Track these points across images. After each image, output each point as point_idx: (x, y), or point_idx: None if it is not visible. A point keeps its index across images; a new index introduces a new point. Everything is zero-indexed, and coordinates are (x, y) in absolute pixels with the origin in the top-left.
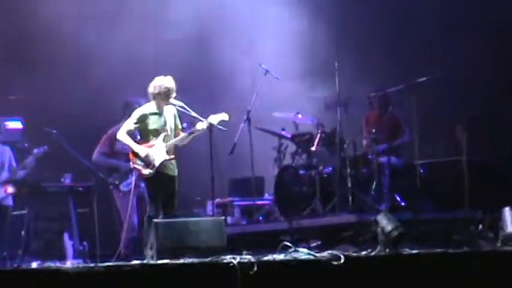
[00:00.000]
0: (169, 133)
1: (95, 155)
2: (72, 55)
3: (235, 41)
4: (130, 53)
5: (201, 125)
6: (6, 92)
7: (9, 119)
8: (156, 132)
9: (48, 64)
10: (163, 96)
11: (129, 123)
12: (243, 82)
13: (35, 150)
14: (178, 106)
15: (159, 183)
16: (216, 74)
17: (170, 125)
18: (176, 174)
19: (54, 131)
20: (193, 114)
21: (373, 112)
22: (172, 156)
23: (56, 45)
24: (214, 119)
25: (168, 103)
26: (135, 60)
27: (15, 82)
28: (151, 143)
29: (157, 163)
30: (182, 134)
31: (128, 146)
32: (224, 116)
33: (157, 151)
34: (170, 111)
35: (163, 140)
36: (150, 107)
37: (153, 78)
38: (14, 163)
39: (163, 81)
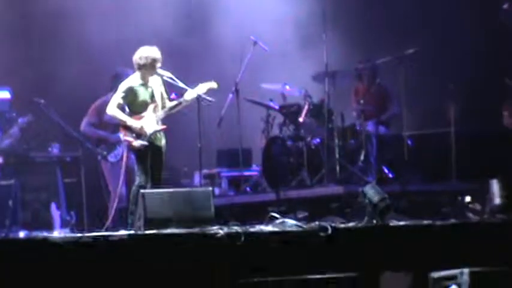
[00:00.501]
0: (158, 103)
1: (83, 126)
2: (63, 26)
3: (224, 12)
4: (122, 24)
5: (190, 95)
6: None
7: None
8: (145, 104)
9: (38, 34)
10: (149, 67)
11: (117, 97)
12: (231, 53)
13: (19, 120)
14: (166, 77)
15: (149, 153)
16: (205, 46)
17: (157, 95)
18: (164, 144)
19: (42, 101)
20: (181, 84)
21: (361, 84)
22: (164, 126)
23: (47, 16)
24: (203, 87)
25: (153, 74)
26: (125, 32)
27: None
28: (141, 114)
29: (148, 134)
30: (171, 103)
31: (119, 119)
32: (213, 84)
33: (148, 122)
34: (156, 82)
35: (153, 110)
36: (135, 78)
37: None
38: None
39: (149, 52)
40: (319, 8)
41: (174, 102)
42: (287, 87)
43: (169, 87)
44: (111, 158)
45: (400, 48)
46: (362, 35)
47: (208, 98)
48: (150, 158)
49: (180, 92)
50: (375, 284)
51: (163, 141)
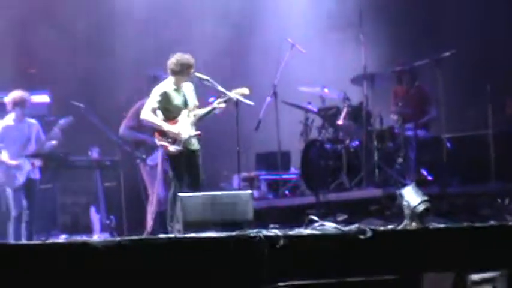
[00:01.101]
0: (191, 108)
1: (122, 129)
2: (102, 30)
3: (262, 16)
4: (161, 28)
5: (227, 98)
6: (29, 65)
7: (36, 92)
8: (178, 109)
9: (74, 37)
10: (183, 73)
11: (152, 102)
12: (268, 56)
13: (60, 121)
14: (204, 80)
15: (183, 158)
16: (243, 49)
17: (190, 100)
18: (198, 148)
19: (81, 105)
20: (219, 88)
21: (400, 86)
22: (198, 132)
23: (84, 19)
24: (236, 93)
25: (187, 80)
26: (164, 35)
27: (40, 55)
28: (175, 119)
29: (184, 139)
30: (203, 110)
31: (155, 124)
32: (245, 90)
33: (183, 127)
34: (188, 87)
35: (187, 115)
36: (169, 83)
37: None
38: (42, 136)
39: (184, 59)
40: (356, 10)
41: (208, 108)
42: (325, 89)
43: (207, 90)
44: (150, 161)
45: (437, 51)
46: (400, 37)
47: (247, 101)
48: (185, 162)
49: (218, 96)
50: (414, 287)
51: (197, 145)
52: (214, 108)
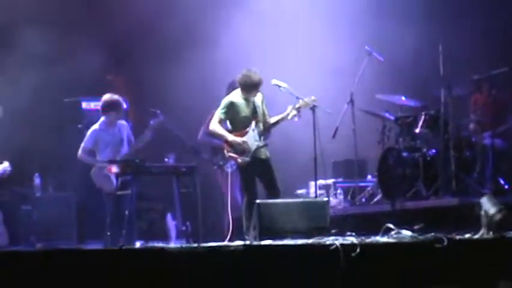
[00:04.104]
0: (260, 119)
1: (200, 135)
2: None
3: (339, 23)
4: (240, 35)
5: (305, 103)
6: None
7: None
8: (246, 119)
9: (151, 44)
10: (248, 92)
11: (220, 113)
12: (346, 64)
13: (151, 122)
14: (283, 87)
15: (253, 169)
16: (319, 56)
17: (259, 111)
18: (268, 156)
19: (158, 111)
20: (297, 94)
21: (479, 95)
22: (266, 143)
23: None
24: (305, 102)
25: (255, 94)
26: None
27: (118, 62)
28: (243, 130)
29: (251, 150)
30: (273, 119)
31: (221, 135)
32: (313, 99)
33: (250, 138)
34: (258, 97)
35: (255, 126)
36: (237, 94)
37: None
38: (132, 138)
39: (248, 80)
40: (435, 18)
41: (278, 117)
42: (403, 98)
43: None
44: (228, 168)
45: None
46: (478, 45)
47: (327, 109)
48: (256, 173)
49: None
50: None
51: (267, 154)
52: (285, 116)
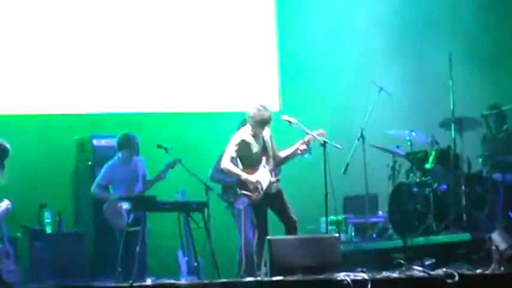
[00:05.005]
0: (270, 155)
1: (213, 173)
2: None
3: (348, 59)
4: None
5: (313, 136)
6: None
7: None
8: (257, 156)
9: None
10: (258, 128)
11: (231, 150)
12: (356, 99)
13: (168, 163)
14: (292, 123)
15: (266, 205)
16: (330, 91)
17: (269, 146)
18: (280, 189)
19: (169, 147)
20: (308, 131)
21: (488, 130)
22: (278, 178)
23: None
24: (313, 135)
25: (264, 130)
26: None
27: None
28: (254, 167)
29: (264, 187)
30: (283, 154)
31: (234, 173)
32: (322, 132)
33: (262, 175)
34: (267, 133)
35: (266, 162)
36: (247, 131)
37: None
38: (147, 174)
39: (258, 116)
40: (445, 53)
41: (288, 151)
42: (413, 133)
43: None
44: (239, 205)
45: None
46: (489, 80)
47: (336, 145)
48: (269, 207)
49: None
50: None
51: (278, 188)
52: (295, 151)
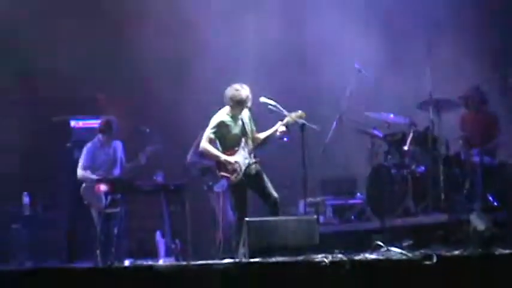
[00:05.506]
0: (249, 136)
1: (189, 156)
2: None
3: (329, 41)
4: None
5: (292, 118)
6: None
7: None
8: (236, 137)
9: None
10: (236, 107)
11: (210, 132)
12: (334, 81)
13: (148, 148)
14: (270, 104)
15: (245, 187)
16: (309, 74)
17: (248, 128)
18: (258, 170)
19: (147, 130)
20: (285, 112)
21: (467, 111)
22: (257, 159)
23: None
24: (292, 117)
25: (243, 110)
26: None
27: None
28: (233, 149)
29: (243, 168)
30: (261, 135)
31: (212, 155)
32: (302, 114)
33: (241, 156)
34: (245, 115)
35: (245, 144)
36: (225, 112)
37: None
38: (124, 159)
39: (236, 95)
40: (423, 37)
41: (267, 133)
42: (391, 115)
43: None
44: (217, 188)
45: (505, 76)
46: (466, 62)
47: (313, 126)
48: (249, 188)
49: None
50: None
51: (258, 169)
52: (274, 132)
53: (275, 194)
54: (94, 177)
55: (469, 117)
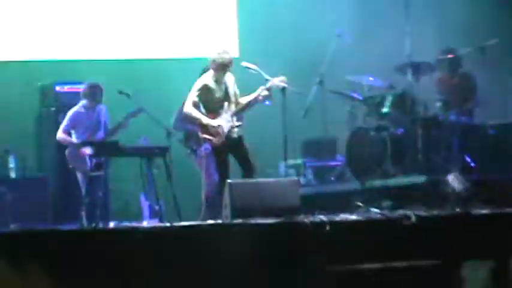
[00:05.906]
0: (232, 100)
1: (173, 121)
2: None
3: (307, 5)
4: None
5: (270, 86)
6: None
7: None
8: (219, 101)
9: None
10: (219, 71)
11: (193, 96)
12: (315, 44)
13: (131, 112)
14: (252, 69)
15: (227, 149)
16: (289, 38)
17: (231, 92)
18: (241, 134)
19: (129, 93)
20: (266, 76)
21: (444, 74)
22: (240, 123)
23: None
24: (274, 81)
25: (226, 73)
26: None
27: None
28: (216, 112)
29: (226, 132)
30: (244, 100)
31: (195, 118)
32: (283, 78)
33: (224, 120)
34: (230, 79)
35: (228, 108)
36: (209, 76)
37: None
38: (108, 122)
39: (219, 58)
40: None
41: (250, 97)
42: (370, 78)
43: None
44: (201, 152)
45: (482, 39)
46: (444, 24)
47: (295, 89)
48: (230, 152)
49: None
50: (456, 272)
51: (240, 133)
52: (257, 97)
53: (253, 163)
54: (74, 140)
55: (445, 79)
